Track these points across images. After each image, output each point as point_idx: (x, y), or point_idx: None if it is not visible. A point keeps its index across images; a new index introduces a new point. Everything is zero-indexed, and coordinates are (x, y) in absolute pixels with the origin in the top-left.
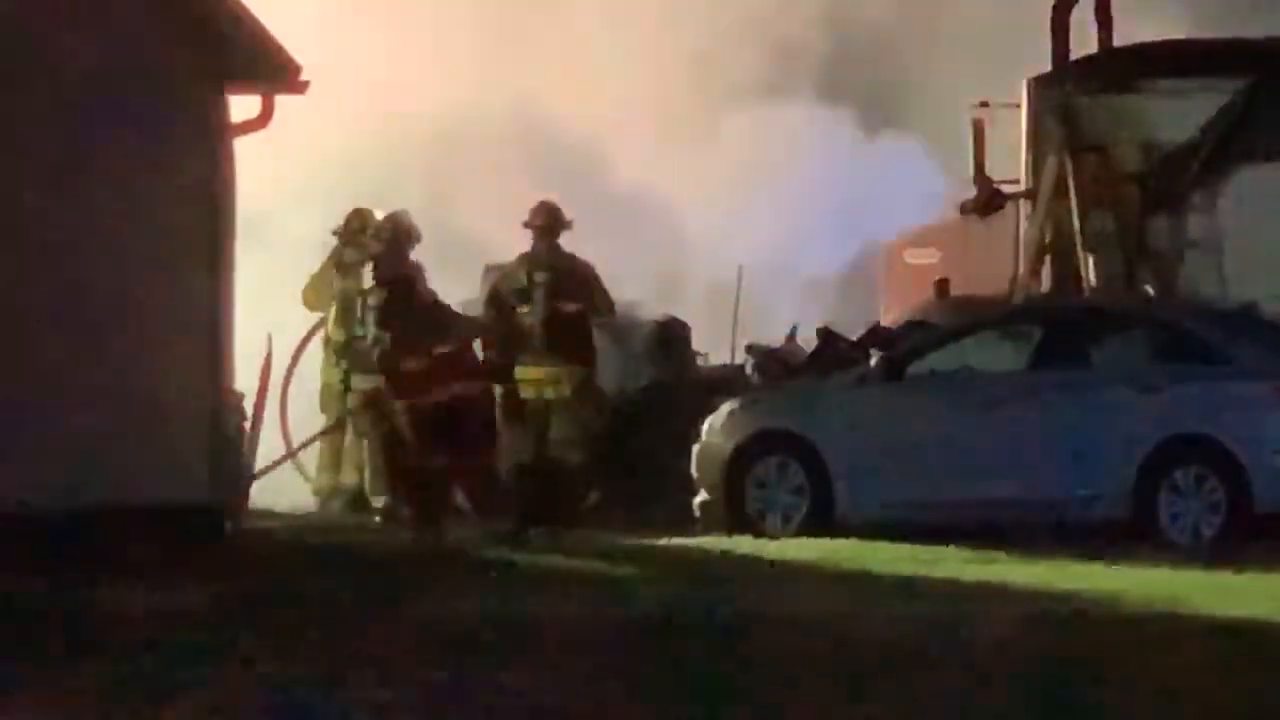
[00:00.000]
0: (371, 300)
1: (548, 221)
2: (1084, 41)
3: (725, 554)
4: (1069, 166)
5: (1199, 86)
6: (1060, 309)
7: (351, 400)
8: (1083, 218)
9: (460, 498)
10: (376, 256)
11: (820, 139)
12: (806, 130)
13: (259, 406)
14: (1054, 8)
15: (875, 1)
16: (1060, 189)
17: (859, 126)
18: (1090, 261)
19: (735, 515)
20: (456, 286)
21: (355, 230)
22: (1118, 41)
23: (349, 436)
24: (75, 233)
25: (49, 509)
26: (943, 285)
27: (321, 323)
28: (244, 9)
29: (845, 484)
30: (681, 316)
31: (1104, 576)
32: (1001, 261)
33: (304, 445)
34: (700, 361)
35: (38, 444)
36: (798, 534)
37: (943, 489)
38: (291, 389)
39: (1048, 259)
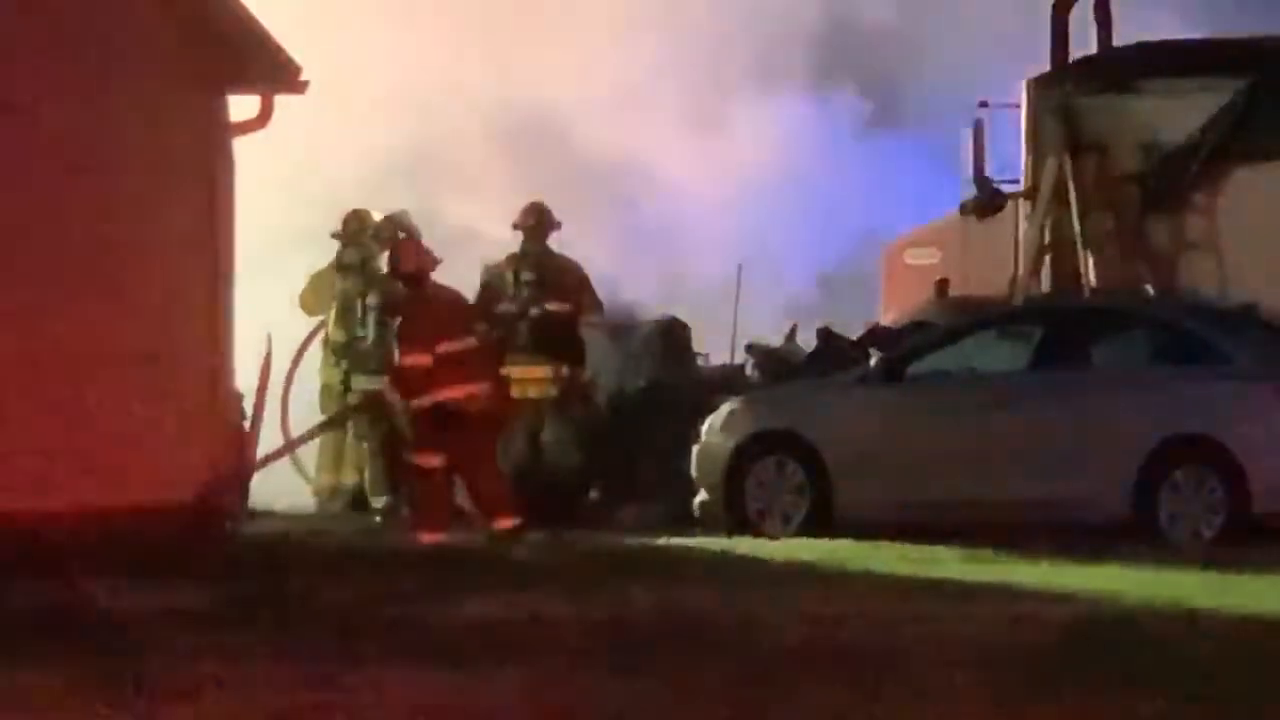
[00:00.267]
0: (371, 300)
1: (537, 222)
2: (1084, 41)
3: (725, 554)
4: (1069, 167)
5: (1199, 86)
6: (1060, 309)
7: (352, 401)
8: (1083, 218)
9: (461, 497)
10: (393, 251)
11: (820, 139)
12: (806, 130)
13: (259, 406)
14: (1053, 8)
15: (876, 2)
16: (1060, 189)
17: (859, 126)
18: (1090, 261)
19: (735, 515)
20: (457, 286)
21: (354, 231)
22: (1117, 41)
23: (349, 437)
24: (75, 232)
25: (49, 509)
26: (943, 285)
27: (322, 324)
28: (244, 9)
29: (845, 484)
30: (681, 316)
31: (1104, 576)
32: (1001, 261)
33: (306, 436)
34: (700, 361)
35: (37, 444)
36: (798, 534)
37: (943, 489)
38: (292, 389)
39: (1048, 259)
